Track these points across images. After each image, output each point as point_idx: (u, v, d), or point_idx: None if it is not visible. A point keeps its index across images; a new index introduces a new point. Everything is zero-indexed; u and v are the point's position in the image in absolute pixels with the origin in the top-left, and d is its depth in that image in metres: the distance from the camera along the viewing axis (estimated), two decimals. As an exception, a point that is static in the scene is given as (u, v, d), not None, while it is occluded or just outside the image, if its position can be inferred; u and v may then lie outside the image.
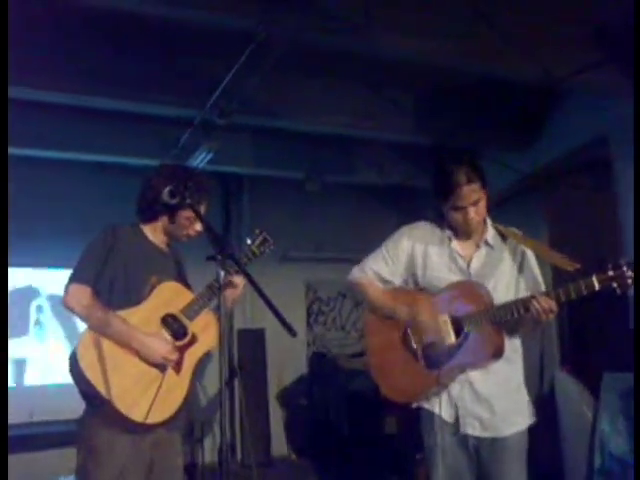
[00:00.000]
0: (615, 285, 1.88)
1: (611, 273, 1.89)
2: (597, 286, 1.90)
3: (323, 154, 5.70)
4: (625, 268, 1.87)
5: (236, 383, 5.84)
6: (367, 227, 6.37)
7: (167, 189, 2.15)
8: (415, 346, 2.24)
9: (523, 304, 2.04)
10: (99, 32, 3.78)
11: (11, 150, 4.34)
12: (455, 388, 2.21)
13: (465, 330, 2.14)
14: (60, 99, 4.15)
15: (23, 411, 4.88)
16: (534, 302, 2.00)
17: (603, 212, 4.53)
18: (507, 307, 2.09)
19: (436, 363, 2.18)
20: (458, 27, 3.54)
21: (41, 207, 5.43)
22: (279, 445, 6.42)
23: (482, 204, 2.21)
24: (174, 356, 2.16)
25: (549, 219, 5.24)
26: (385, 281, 2.37)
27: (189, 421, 5.81)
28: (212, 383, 5.92)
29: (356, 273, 2.43)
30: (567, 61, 3.87)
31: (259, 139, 5.39)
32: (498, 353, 2.13)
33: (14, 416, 4.88)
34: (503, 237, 2.30)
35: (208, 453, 5.70)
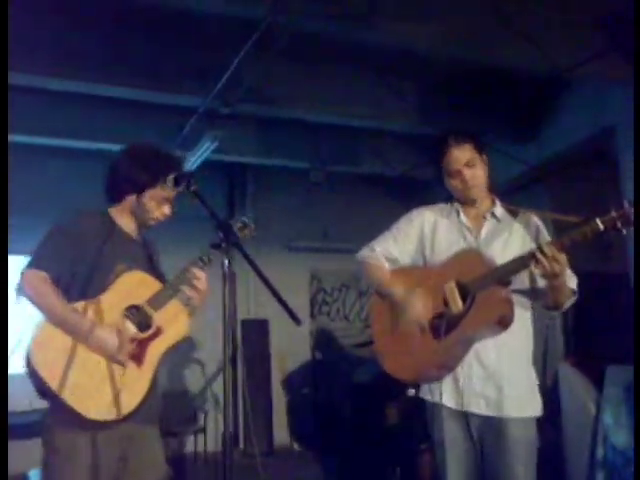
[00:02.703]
0: (620, 225, 1.87)
1: (614, 214, 1.88)
2: (601, 227, 1.89)
3: (327, 144, 5.69)
4: (627, 206, 1.87)
5: (239, 373, 5.85)
6: (371, 218, 6.33)
7: (171, 177, 2.08)
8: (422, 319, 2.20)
9: (527, 255, 2.01)
10: (102, 20, 3.76)
11: (14, 137, 4.38)
12: (462, 367, 2.17)
13: (472, 294, 2.10)
14: (62, 87, 4.14)
15: (23, 399, 4.93)
16: (537, 252, 1.96)
17: (608, 203, 4.51)
18: (512, 262, 2.06)
19: (444, 332, 2.13)
20: (463, 16, 3.51)
21: (40, 195, 5.42)
22: (282, 435, 6.45)
23: (479, 169, 2.23)
24: (124, 352, 2.01)
25: (554, 211, 5.20)
26: (393, 260, 2.35)
27: (192, 410, 5.85)
28: (215, 372, 5.95)
29: (364, 252, 2.41)
30: (573, 50, 3.84)
31: (263, 128, 5.38)
32: (505, 321, 2.09)
33: (16, 403, 4.96)
34: (513, 214, 2.28)
35: (211, 442, 5.73)
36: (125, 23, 3.83)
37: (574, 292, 2.17)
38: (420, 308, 2.19)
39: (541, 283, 2.15)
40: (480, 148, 2.24)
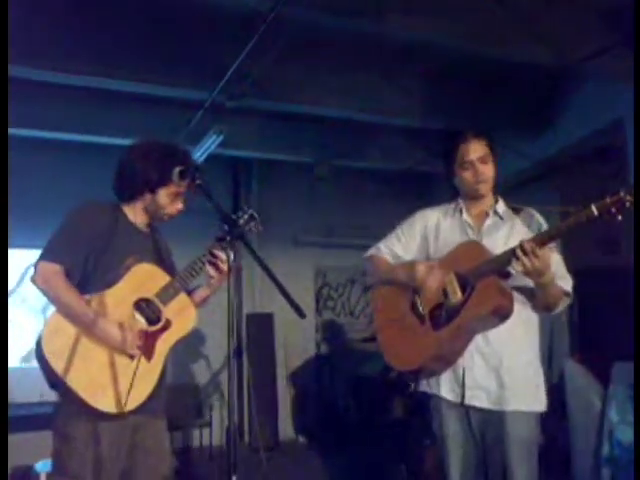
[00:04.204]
0: (614, 210, 1.87)
1: (608, 200, 1.90)
2: (596, 212, 1.89)
3: (333, 138, 5.67)
4: (622, 194, 1.87)
5: (244, 366, 5.86)
6: (376, 212, 6.34)
7: (177, 169, 2.08)
8: (422, 310, 2.23)
9: (509, 252, 2.03)
10: (109, 13, 3.75)
11: (18, 131, 4.39)
12: (464, 359, 2.19)
13: (471, 284, 2.12)
14: (70, 81, 4.14)
15: (33, 391, 4.97)
16: (517, 248, 1.98)
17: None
18: (499, 256, 2.08)
19: (443, 323, 2.15)
20: (471, 9, 3.49)
21: (47, 189, 5.44)
22: (287, 429, 6.46)
23: (491, 166, 2.28)
24: (134, 347, 2.04)
25: (561, 206, 5.19)
26: (397, 258, 2.41)
27: (198, 404, 5.87)
28: (220, 366, 5.96)
29: (370, 251, 2.49)
30: (581, 45, 3.82)
31: (269, 123, 5.36)
32: (501, 311, 2.10)
33: (25, 396, 5.00)
34: (516, 211, 2.30)
35: (216, 435, 5.75)
36: (131, 17, 3.82)
37: (567, 294, 2.17)
38: (438, 273, 2.19)
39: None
40: (493, 148, 2.29)
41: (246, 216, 2.24)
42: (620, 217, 1.88)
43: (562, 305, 2.18)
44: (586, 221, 1.91)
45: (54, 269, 2.01)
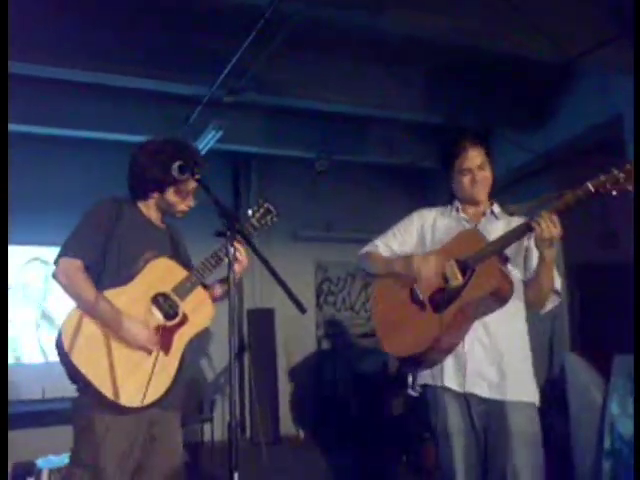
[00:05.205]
0: (609, 186, 1.95)
1: (603, 177, 1.97)
2: (592, 189, 1.97)
3: (333, 133, 5.66)
4: (616, 171, 1.95)
5: (246, 362, 5.88)
6: (377, 207, 6.34)
7: (176, 164, 2.07)
8: (422, 296, 2.24)
9: (526, 224, 2.08)
10: (108, 9, 3.74)
11: (18, 127, 4.38)
12: (463, 346, 2.20)
13: (471, 268, 2.15)
14: (68, 76, 4.13)
15: (36, 388, 4.99)
16: (536, 219, 2.03)
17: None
18: (511, 231, 2.13)
19: (444, 305, 2.17)
20: (471, 4, 3.48)
21: (48, 185, 5.43)
22: (287, 424, 6.47)
23: (487, 172, 2.32)
24: (153, 343, 2.07)
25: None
26: (394, 253, 2.43)
27: (199, 400, 5.88)
28: (221, 362, 5.97)
29: (366, 248, 2.51)
30: (582, 38, 3.81)
31: (269, 117, 5.35)
32: (501, 293, 2.13)
33: (28, 393, 5.00)
34: (511, 214, 2.36)
35: (218, 431, 5.76)
36: (129, 13, 3.81)
37: (556, 292, 2.22)
38: (433, 260, 2.22)
39: (530, 270, 2.20)
40: (489, 153, 2.34)
41: (262, 210, 2.26)
42: (615, 193, 1.95)
43: (551, 303, 2.24)
44: (584, 196, 1.98)
45: (75, 265, 2.06)
